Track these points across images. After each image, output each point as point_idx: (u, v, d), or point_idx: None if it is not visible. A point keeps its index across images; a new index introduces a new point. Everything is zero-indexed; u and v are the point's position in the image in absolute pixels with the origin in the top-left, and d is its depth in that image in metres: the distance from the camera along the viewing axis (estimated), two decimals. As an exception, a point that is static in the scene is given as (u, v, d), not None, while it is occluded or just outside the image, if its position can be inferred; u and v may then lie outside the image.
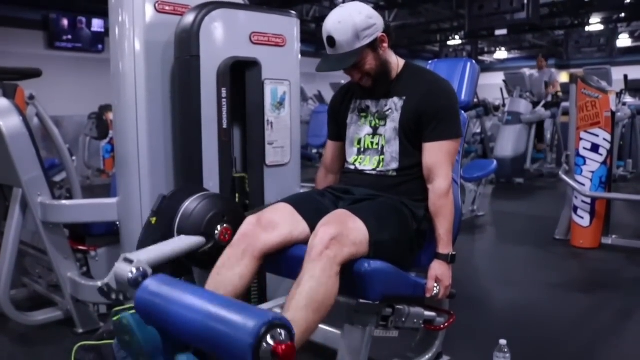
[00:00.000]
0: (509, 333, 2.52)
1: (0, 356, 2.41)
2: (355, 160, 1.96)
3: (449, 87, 1.89)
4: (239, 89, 2.26)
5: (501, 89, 9.45)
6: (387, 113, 1.90)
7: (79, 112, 8.35)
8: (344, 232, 1.56)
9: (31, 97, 3.79)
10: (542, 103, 7.86)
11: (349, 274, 1.59)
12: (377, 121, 1.92)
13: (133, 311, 1.48)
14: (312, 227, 1.69)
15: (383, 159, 1.90)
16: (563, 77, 17.98)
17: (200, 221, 1.83)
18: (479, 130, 10.14)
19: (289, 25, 2.41)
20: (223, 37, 2.18)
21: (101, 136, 7.92)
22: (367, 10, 1.80)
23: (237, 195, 2.31)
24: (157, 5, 2.23)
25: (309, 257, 1.52)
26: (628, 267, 3.70)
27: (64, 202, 2.46)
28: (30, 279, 2.95)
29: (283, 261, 1.74)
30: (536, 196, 6.88)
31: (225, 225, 1.81)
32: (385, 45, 1.85)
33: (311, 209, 1.78)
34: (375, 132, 1.92)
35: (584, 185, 4.06)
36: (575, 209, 4.15)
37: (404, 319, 1.88)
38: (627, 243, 4.10)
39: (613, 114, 4.09)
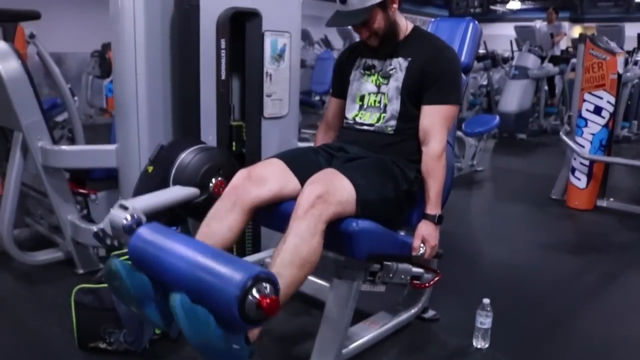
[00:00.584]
0: (494, 291, 2.61)
1: (3, 294, 2.50)
2: (356, 116, 1.99)
3: (454, 55, 1.92)
4: (238, 40, 2.25)
5: (511, 42, 9.27)
6: (391, 72, 1.92)
7: (82, 50, 8.26)
8: (330, 190, 1.59)
9: (32, 36, 3.77)
10: (548, 56, 7.74)
11: (337, 232, 1.63)
12: (380, 80, 1.94)
13: (123, 258, 1.53)
14: (303, 184, 1.72)
15: (384, 116, 1.93)
16: (576, 31, 17.65)
17: (195, 173, 1.87)
18: (485, 83, 10.05)
19: (290, -25, 2.37)
20: (223, -14, 2.15)
21: (104, 75, 7.89)
22: None
23: (234, 144, 2.34)
24: (157, -50, 2.18)
25: (295, 214, 1.56)
26: (620, 230, 3.75)
27: (64, 147, 2.48)
28: (32, 220, 3.02)
29: (274, 216, 1.78)
30: (538, 153, 6.87)
31: (219, 178, 1.85)
32: (395, 6, 1.86)
33: (304, 165, 1.81)
34: (378, 91, 1.95)
35: (583, 147, 4.05)
36: (573, 170, 4.16)
37: (391, 275, 1.95)
38: (622, 206, 4.13)
39: (619, 76, 4.04)
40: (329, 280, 1.99)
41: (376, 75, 1.96)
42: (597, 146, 4.03)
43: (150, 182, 1.93)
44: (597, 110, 4.00)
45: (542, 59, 7.75)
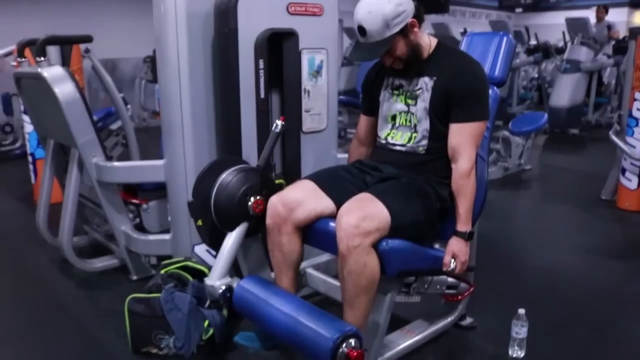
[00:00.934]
0: (534, 298, 2.63)
1: (65, 299, 2.70)
2: (388, 135, 2.04)
3: (479, 70, 1.91)
4: (277, 58, 2.34)
5: (563, 32, 9.00)
6: (418, 93, 1.95)
7: (135, 55, 8.58)
8: (366, 218, 1.67)
9: (87, 51, 3.96)
10: (603, 50, 7.48)
11: (370, 250, 1.71)
12: (409, 100, 1.98)
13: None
14: (336, 202, 1.82)
15: (415, 136, 1.97)
16: (637, 17, 16.87)
17: (232, 206, 1.96)
18: (536, 75, 9.80)
19: (327, -7, 2.43)
20: (260, 9, 2.23)
21: (156, 79, 8.18)
22: None
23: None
24: (198, -24, 2.29)
25: (340, 252, 1.68)
26: (672, 233, 3.64)
27: (116, 163, 2.64)
28: (90, 227, 3.23)
29: (312, 234, 1.89)
30: (590, 149, 6.68)
31: (256, 197, 1.94)
32: (416, 29, 1.88)
33: (335, 184, 1.89)
34: (408, 110, 1.99)
35: (634, 147, 3.95)
36: (623, 170, 4.06)
37: (426, 286, 2.01)
38: (675, 207, 4.00)
39: (672, 72, 3.90)
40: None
41: (404, 94, 1.99)
42: (648, 146, 3.92)
43: (207, 231, 2.06)
44: (649, 109, 3.89)
45: (596, 51, 7.51)
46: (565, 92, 7.27)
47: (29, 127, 4.09)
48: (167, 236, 2.62)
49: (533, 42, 10.14)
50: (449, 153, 1.89)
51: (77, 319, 2.50)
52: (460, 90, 1.86)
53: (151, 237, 2.70)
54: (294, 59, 2.34)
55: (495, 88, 2.12)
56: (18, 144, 6.13)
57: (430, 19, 12.52)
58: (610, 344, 2.30)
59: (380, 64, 2.09)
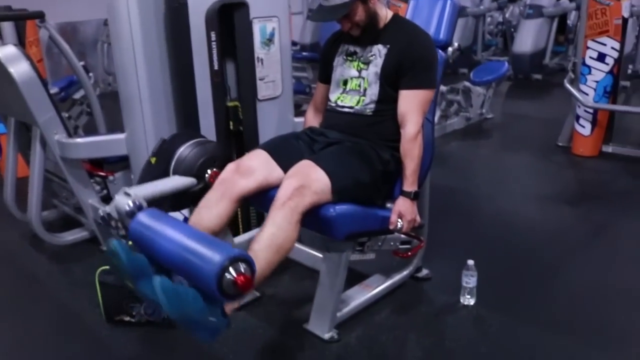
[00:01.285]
0: (487, 247, 2.81)
1: (38, 273, 2.78)
2: (338, 99, 2.13)
3: (429, 42, 2.03)
4: (229, 29, 2.37)
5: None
6: (371, 58, 2.05)
7: (95, 17, 8.37)
8: (306, 183, 1.77)
9: (42, 21, 3.90)
10: (567, -7, 7.53)
11: (317, 217, 1.82)
12: (361, 65, 2.07)
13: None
14: (286, 171, 1.90)
15: (363, 99, 2.06)
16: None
17: (192, 165, 2.05)
18: (501, 20, 9.82)
19: (275, -40, 2.45)
20: (210, -19, 2.25)
21: (119, 42, 8.02)
22: None
23: (231, 123, 2.49)
24: (146, -52, 2.29)
25: (274, 206, 1.75)
26: (621, 177, 3.83)
27: (78, 139, 2.66)
28: (59, 201, 3.28)
29: (263, 201, 1.96)
30: (551, 94, 6.83)
31: (214, 169, 2.03)
32: None
33: (286, 155, 1.98)
34: (359, 75, 2.08)
35: (587, 94, 4.09)
36: (577, 117, 4.22)
37: (380, 243, 2.14)
38: (627, 151, 4.19)
39: (625, 20, 4.01)
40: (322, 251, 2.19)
41: (357, 61, 2.08)
42: (601, 93, 4.07)
43: (153, 172, 2.11)
44: (601, 57, 4.02)
45: (557, -5, 7.56)
46: (528, 37, 7.35)
47: (-12, 102, 4.05)
48: (133, 207, 2.69)
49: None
50: (398, 118, 2.00)
51: (51, 292, 2.59)
52: (410, 59, 1.97)
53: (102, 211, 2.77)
54: (246, 28, 2.38)
55: (440, 51, 2.20)
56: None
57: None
58: (555, 288, 2.48)
59: (338, 34, 2.18)
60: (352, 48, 2.12)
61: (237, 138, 2.53)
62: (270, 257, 1.68)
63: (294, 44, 8.27)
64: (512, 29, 8.98)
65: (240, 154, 2.51)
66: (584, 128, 4.18)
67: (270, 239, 1.69)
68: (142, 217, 1.72)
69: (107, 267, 2.27)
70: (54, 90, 4.28)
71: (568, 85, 4.20)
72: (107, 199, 2.93)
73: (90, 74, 4.72)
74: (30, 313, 2.44)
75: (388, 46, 2.02)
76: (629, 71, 7.03)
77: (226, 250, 1.47)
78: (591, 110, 4.11)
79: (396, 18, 2.09)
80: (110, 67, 8.13)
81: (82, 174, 2.79)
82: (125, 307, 2.27)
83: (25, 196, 2.91)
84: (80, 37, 8.79)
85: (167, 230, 1.62)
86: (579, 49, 4.27)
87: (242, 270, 1.46)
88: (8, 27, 3.80)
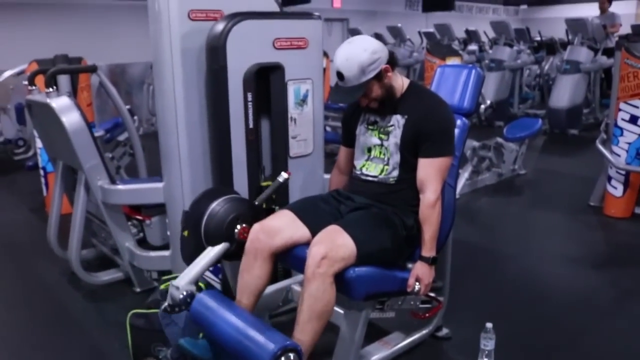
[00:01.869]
0: (510, 309, 2.81)
1: (74, 310, 2.92)
2: (363, 166, 2.23)
3: (446, 110, 2.11)
4: (265, 89, 2.52)
5: (566, 30, 9.06)
6: (390, 129, 2.15)
7: (143, 59, 8.79)
8: (333, 250, 1.86)
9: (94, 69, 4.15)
10: (601, 49, 7.55)
11: (337, 278, 1.90)
12: (383, 134, 2.17)
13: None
14: (312, 231, 2.01)
15: (387, 168, 2.16)
16: (644, 10, 16.74)
17: (220, 229, 2.13)
18: (539, 72, 9.87)
19: (311, 27, 2.60)
20: (248, 45, 2.40)
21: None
22: (372, 46, 2.02)
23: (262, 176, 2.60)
24: (190, 14, 2.48)
25: (306, 276, 1.86)
26: (653, 240, 3.79)
27: (119, 186, 2.84)
28: (97, 241, 3.45)
29: (290, 259, 2.08)
30: (587, 151, 6.73)
31: (242, 225, 2.13)
32: (390, 74, 2.07)
33: (312, 215, 2.08)
34: (382, 144, 2.18)
35: (619, 156, 4.09)
36: (609, 178, 4.21)
37: (400, 302, 2.19)
38: (660, 214, 4.14)
39: (657, 83, 4.02)
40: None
41: (378, 130, 2.18)
42: (633, 155, 4.06)
43: (189, 243, 2.22)
44: (633, 120, 4.02)
45: (595, 51, 7.59)
46: (565, 93, 7.37)
47: (40, 143, 4.31)
48: (166, 252, 2.84)
49: (537, 38, 10.22)
50: (418, 185, 2.08)
51: (84, 329, 2.72)
52: (428, 129, 2.05)
53: (152, 253, 2.91)
54: (281, 89, 2.52)
55: (463, 118, 2.29)
56: (30, 154, 6.38)
57: (435, 17, 12.62)
58: (580, 353, 2.46)
59: (357, 102, 2.27)
60: (372, 117, 2.21)
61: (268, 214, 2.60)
62: (315, 326, 1.88)
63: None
64: (550, 82, 9.01)
65: (269, 203, 2.63)
66: (616, 189, 4.17)
67: (310, 310, 1.86)
68: (202, 299, 2.00)
69: (139, 310, 2.39)
70: (100, 132, 4.54)
71: (600, 146, 4.21)
72: (142, 242, 3.08)
73: (135, 117, 4.99)
74: (63, 348, 2.57)
75: (406, 116, 2.10)
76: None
77: (278, 340, 1.72)
78: (623, 172, 4.10)
79: (413, 86, 2.17)
80: (154, 108, 8.47)
81: (121, 218, 2.95)
82: (152, 351, 2.36)
83: (66, 233, 3.09)
84: (127, 78, 9.26)
85: (224, 314, 1.90)
86: (612, 110, 4.29)
87: (292, 359, 1.70)
88: (63, 75, 4.07)
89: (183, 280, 2.03)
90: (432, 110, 2.08)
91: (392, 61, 2.08)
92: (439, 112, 2.09)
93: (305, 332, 1.84)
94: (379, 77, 2.04)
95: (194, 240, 2.15)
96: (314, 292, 1.84)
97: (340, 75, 2.02)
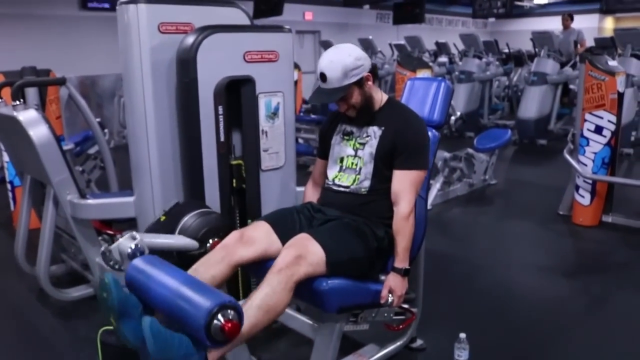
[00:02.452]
0: (483, 319, 2.84)
1: (43, 327, 2.86)
2: (335, 177, 2.24)
3: (422, 125, 2.16)
4: (236, 102, 2.51)
5: (532, 42, 9.28)
6: (367, 139, 2.17)
7: (114, 71, 8.70)
8: (303, 254, 1.86)
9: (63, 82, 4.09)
10: (571, 63, 7.75)
11: (310, 289, 1.90)
12: (358, 144, 2.19)
13: None
14: (284, 243, 1.99)
15: (358, 178, 2.17)
16: (608, 23, 17.25)
17: (198, 230, 2.16)
18: (508, 84, 10.06)
19: (282, 41, 2.61)
20: (218, 58, 2.40)
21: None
22: (357, 52, 2.09)
23: (234, 181, 2.56)
24: (160, 27, 2.46)
25: (271, 270, 1.83)
26: (620, 248, 3.88)
27: (89, 201, 2.79)
28: (67, 256, 3.38)
29: (260, 270, 2.03)
30: (555, 160, 6.85)
31: (217, 239, 2.12)
32: (370, 83, 2.13)
33: (286, 228, 2.07)
34: (355, 154, 2.19)
35: (586, 165, 4.18)
36: (577, 187, 4.30)
37: (373, 314, 2.19)
38: (626, 222, 4.25)
39: (620, 95, 4.14)
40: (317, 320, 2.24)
41: (354, 140, 2.21)
42: (599, 164, 4.16)
43: (161, 229, 2.22)
44: (598, 130, 4.13)
45: (562, 64, 7.78)
46: (533, 103, 7.54)
47: (7, 156, 4.22)
48: (138, 268, 2.78)
49: (505, 50, 10.43)
50: (392, 197, 2.09)
51: (53, 348, 2.66)
52: (404, 141, 2.09)
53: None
54: (252, 102, 2.51)
55: (434, 130, 2.32)
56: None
57: (406, 30, 12.79)
58: (549, 360, 2.50)
59: (336, 114, 2.32)
60: (348, 128, 2.24)
61: (240, 197, 2.62)
62: (260, 316, 1.75)
63: (304, 102, 8.51)
64: (519, 93, 9.19)
65: (242, 217, 2.62)
66: (584, 198, 4.26)
67: (263, 299, 1.77)
68: (139, 262, 1.82)
69: (109, 327, 2.35)
70: (69, 145, 4.47)
71: (567, 156, 4.31)
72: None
73: (105, 130, 4.92)
74: (31, 369, 2.50)
75: (383, 128, 2.14)
76: (632, 138, 7.15)
77: (217, 297, 1.56)
78: (590, 181, 4.19)
79: (391, 101, 2.23)
80: (125, 121, 8.36)
81: (91, 233, 2.90)
82: (123, 368, 2.32)
83: (34, 248, 3.02)
84: (98, 90, 9.13)
85: (161, 276, 1.71)
86: (577, 121, 4.40)
87: (230, 317, 1.54)
88: (31, 88, 4.01)
89: (144, 236, 1.95)
90: (409, 123, 2.13)
91: (374, 72, 2.15)
92: (416, 126, 2.13)
93: (247, 316, 1.67)
94: (360, 83, 2.09)
95: (168, 228, 2.16)
96: (274, 285, 1.78)
97: (323, 76, 2.07)
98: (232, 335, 1.55)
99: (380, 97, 2.20)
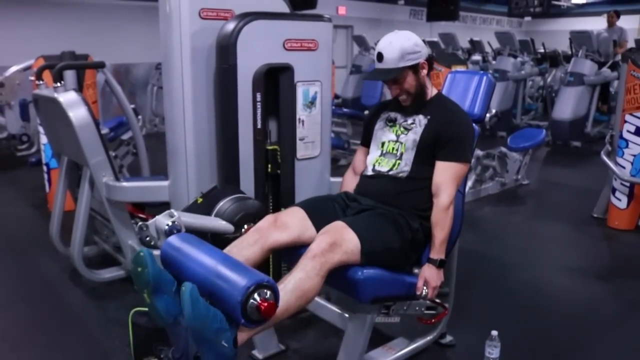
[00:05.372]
0: (513, 318, 2.80)
1: (75, 306, 2.90)
2: (375, 162, 2.23)
3: (468, 120, 2.16)
4: (274, 90, 2.51)
5: (570, 42, 9.08)
6: (411, 126, 2.18)
7: (148, 60, 8.81)
8: (338, 241, 1.85)
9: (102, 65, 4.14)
10: (609, 64, 7.56)
11: (345, 278, 1.88)
12: (401, 130, 2.19)
13: None
14: (318, 231, 1.99)
15: (399, 163, 2.16)
16: (649, 24, 16.77)
17: (234, 214, 2.16)
18: (542, 84, 9.88)
19: (322, 30, 2.60)
20: (258, 46, 2.40)
21: (168, 85, 8.39)
22: (416, 39, 2.13)
23: (269, 166, 2.56)
24: (201, 13, 2.47)
25: (306, 256, 1.82)
26: (656, 253, 3.77)
27: (124, 183, 2.82)
28: (99, 238, 3.43)
29: (293, 256, 2.02)
30: (590, 162, 6.78)
31: (252, 224, 2.12)
32: (425, 71, 2.14)
33: (321, 215, 2.06)
34: (397, 140, 2.19)
35: (624, 167, 4.08)
36: (613, 190, 4.20)
37: (405, 308, 2.18)
38: (664, 227, 4.13)
39: (663, 96, 4.02)
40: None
41: (397, 126, 2.21)
42: (638, 167, 4.04)
43: (197, 211, 2.23)
44: (639, 132, 4.01)
45: (600, 64, 7.60)
46: (568, 104, 7.38)
47: (44, 139, 4.30)
48: (170, 252, 2.81)
49: (541, 50, 10.24)
50: (432, 188, 2.07)
51: (85, 326, 2.69)
52: (449, 133, 2.08)
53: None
54: (289, 91, 2.51)
55: (475, 126, 2.28)
56: (34, 150, 6.36)
57: (439, 27, 12.65)
58: (580, 364, 2.45)
59: (383, 104, 2.35)
60: (393, 115, 2.25)
61: (274, 182, 2.61)
62: (293, 300, 1.73)
63: (336, 97, 8.50)
64: (553, 94, 9.02)
65: (275, 204, 2.62)
66: (620, 201, 4.16)
67: (296, 283, 1.75)
68: (175, 239, 1.81)
69: (142, 308, 2.37)
70: (104, 130, 4.52)
71: (605, 158, 4.21)
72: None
73: (139, 117, 4.97)
74: (61, 345, 2.54)
75: (429, 117, 2.14)
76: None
77: (254, 276, 1.55)
78: (627, 184, 4.09)
79: (440, 95, 2.25)
80: (157, 109, 8.48)
81: (125, 216, 2.93)
82: (154, 349, 2.34)
83: (68, 230, 3.07)
84: (132, 78, 9.26)
85: (197, 254, 1.70)
86: (617, 122, 4.29)
87: (267, 296, 1.53)
88: (70, 71, 4.07)
89: (182, 214, 1.96)
90: (455, 115, 2.13)
91: (430, 63, 2.17)
92: (462, 119, 2.13)
93: (280, 300, 1.63)
94: (415, 69, 2.11)
95: (204, 210, 2.16)
96: (308, 270, 1.77)
97: (380, 56, 2.10)
98: (267, 314, 1.54)
99: (431, 89, 2.21)
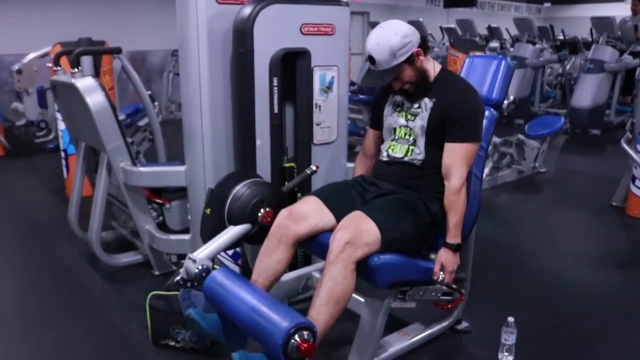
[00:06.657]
0: (530, 305, 2.78)
1: (93, 291, 2.93)
2: (389, 148, 2.20)
3: (475, 96, 2.08)
4: (291, 75, 2.50)
5: (591, 29, 8.93)
6: (418, 111, 2.12)
7: (164, 47, 8.84)
8: (357, 235, 1.84)
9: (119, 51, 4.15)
10: (629, 50, 7.42)
11: (361, 265, 1.87)
12: (409, 116, 2.15)
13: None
14: (338, 217, 1.99)
15: (412, 149, 2.13)
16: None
17: (244, 209, 2.14)
18: (561, 72, 9.74)
19: (339, 14, 2.58)
20: (275, 30, 2.39)
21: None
22: (403, 29, 2.01)
23: (286, 183, 2.53)
24: (218, -3, 2.46)
25: (328, 259, 1.84)
26: (677, 242, 3.72)
27: (141, 168, 2.84)
28: (117, 223, 3.46)
29: (314, 245, 2.06)
30: (609, 151, 6.70)
31: (266, 209, 2.12)
32: (421, 57, 2.06)
33: (338, 202, 2.06)
34: (407, 125, 2.15)
35: (644, 155, 4.01)
36: (633, 178, 4.13)
37: (421, 293, 2.17)
38: (684, 216, 4.07)
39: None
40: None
41: (405, 111, 2.17)
42: (659, 155, 3.98)
43: (211, 222, 2.21)
44: (660, 119, 3.95)
45: (622, 51, 7.46)
46: (588, 92, 7.27)
47: (62, 125, 4.34)
48: (186, 236, 2.84)
49: (560, 37, 10.08)
50: (443, 171, 2.05)
51: (102, 310, 2.73)
52: (455, 114, 2.02)
53: (172, 236, 2.92)
54: (306, 76, 2.50)
55: (492, 109, 2.25)
56: (51, 136, 6.43)
57: (456, 13, 12.51)
58: (599, 352, 2.43)
59: (389, 85, 2.25)
60: (399, 99, 2.20)
61: (290, 198, 2.53)
62: (332, 310, 1.81)
63: (352, 83, 8.45)
64: (572, 82, 8.88)
65: (293, 196, 2.62)
66: (640, 189, 4.10)
67: (329, 293, 1.81)
68: (216, 276, 1.94)
69: (159, 292, 2.40)
70: (120, 116, 4.55)
71: (625, 145, 4.13)
72: (162, 226, 3.09)
73: (155, 103, 4.99)
74: (80, 328, 2.58)
75: (434, 99, 2.08)
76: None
77: (293, 318, 1.66)
78: (648, 172, 4.03)
79: (444, 72, 2.15)
80: (173, 96, 8.51)
81: (142, 201, 2.95)
82: (171, 333, 2.37)
83: (86, 215, 3.10)
84: (148, 65, 9.29)
85: (239, 291, 1.83)
86: (638, 109, 4.22)
87: (306, 337, 1.64)
88: (87, 57, 4.08)
89: (201, 254, 2.01)
90: (461, 95, 2.05)
91: (424, 45, 2.06)
92: (469, 98, 2.05)
93: (320, 314, 1.79)
94: (411, 60, 2.02)
95: (215, 219, 2.14)
96: (335, 276, 1.81)
97: (371, 59, 2.01)
98: (307, 354, 1.63)
99: (433, 68, 2.13)
